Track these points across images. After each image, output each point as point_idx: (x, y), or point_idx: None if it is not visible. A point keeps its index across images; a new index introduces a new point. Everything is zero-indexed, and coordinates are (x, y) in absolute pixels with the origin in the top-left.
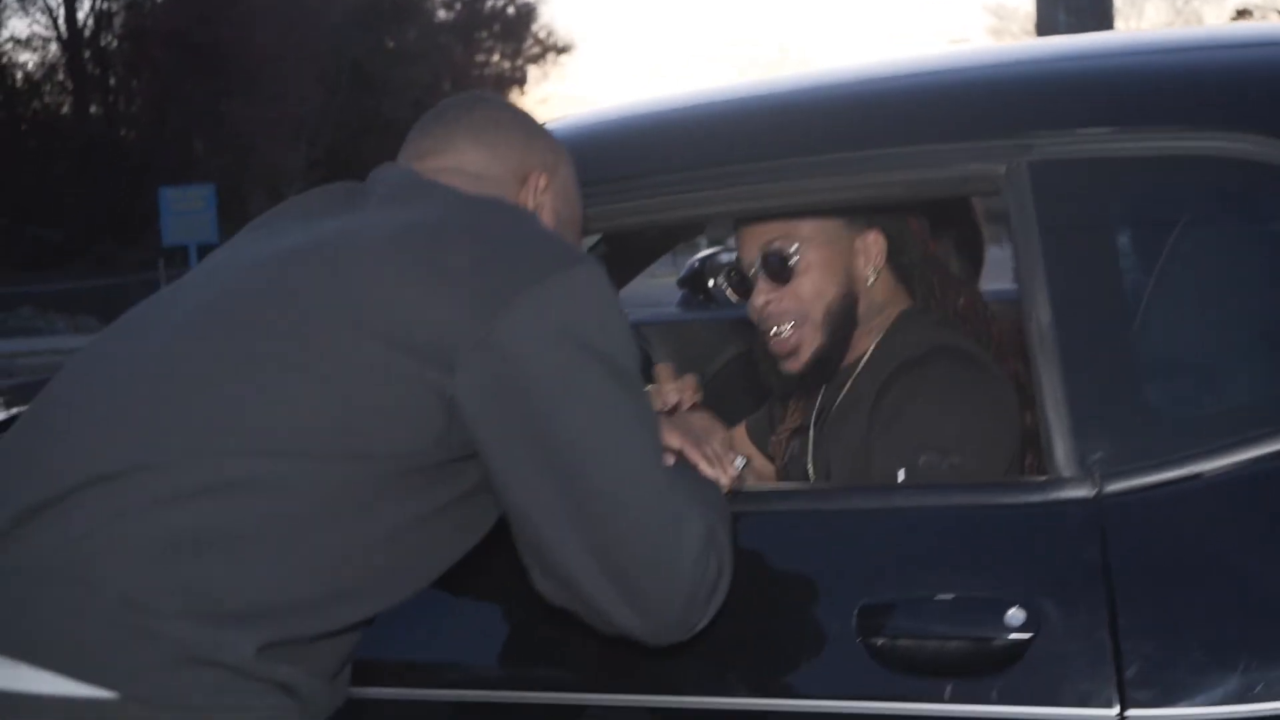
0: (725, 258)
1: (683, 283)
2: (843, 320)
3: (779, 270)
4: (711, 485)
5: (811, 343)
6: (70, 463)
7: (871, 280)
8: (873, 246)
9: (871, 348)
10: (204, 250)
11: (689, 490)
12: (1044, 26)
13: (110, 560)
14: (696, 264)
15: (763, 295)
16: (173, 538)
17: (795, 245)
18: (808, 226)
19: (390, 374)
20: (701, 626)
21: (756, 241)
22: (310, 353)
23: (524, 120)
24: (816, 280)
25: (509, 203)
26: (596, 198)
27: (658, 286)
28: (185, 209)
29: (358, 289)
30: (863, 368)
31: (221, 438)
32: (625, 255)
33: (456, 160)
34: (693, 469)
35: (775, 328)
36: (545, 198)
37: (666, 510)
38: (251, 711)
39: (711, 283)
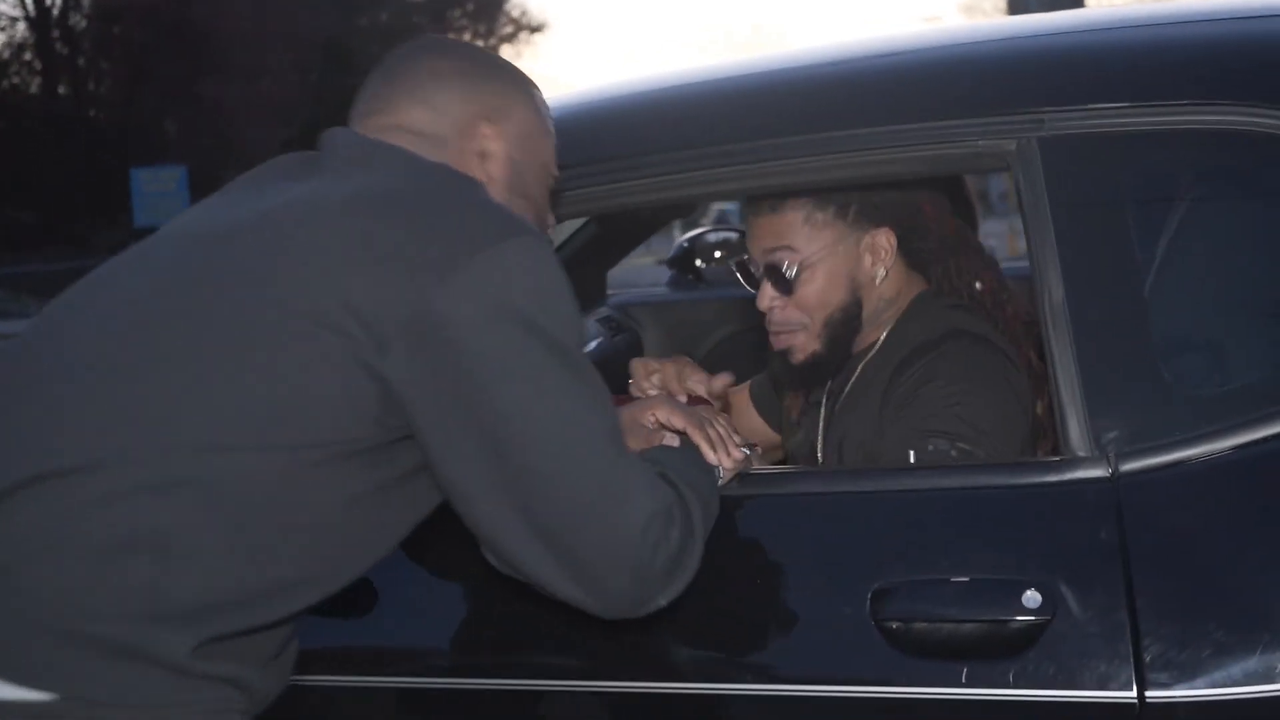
0: (713, 237)
1: (672, 263)
2: (843, 328)
3: (780, 282)
4: (701, 467)
5: (807, 348)
6: (8, 462)
7: (880, 279)
8: (882, 245)
9: (884, 334)
10: None
11: (668, 465)
12: (1016, 5)
13: (48, 562)
14: (685, 244)
15: (766, 299)
16: (110, 539)
17: (796, 261)
18: (807, 238)
19: (324, 357)
20: (663, 603)
21: (759, 245)
22: (245, 341)
23: (467, 66)
24: (819, 291)
25: (450, 171)
26: (585, 179)
27: (631, 268)
28: (157, 190)
29: (290, 270)
30: (875, 353)
31: (159, 435)
32: (615, 236)
33: (398, 119)
34: (692, 450)
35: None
36: (495, 146)
37: (608, 487)
38: (193, 706)
39: (700, 262)
